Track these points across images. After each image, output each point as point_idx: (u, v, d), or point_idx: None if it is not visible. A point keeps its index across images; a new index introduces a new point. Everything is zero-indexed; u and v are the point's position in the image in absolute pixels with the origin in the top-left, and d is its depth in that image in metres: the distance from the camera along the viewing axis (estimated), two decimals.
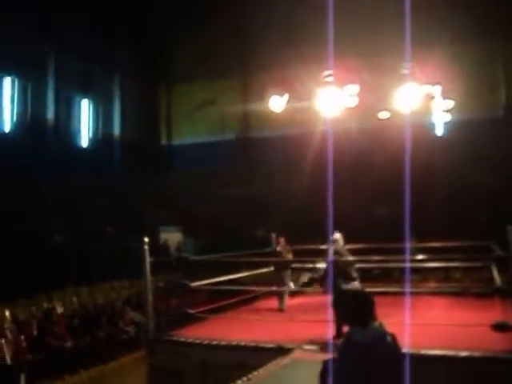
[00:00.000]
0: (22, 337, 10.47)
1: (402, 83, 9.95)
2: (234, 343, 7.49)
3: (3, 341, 9.92)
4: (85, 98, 22.23)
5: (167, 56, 24.80)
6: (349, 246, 8.38)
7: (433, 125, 18.31)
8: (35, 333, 10.97)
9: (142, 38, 23.07)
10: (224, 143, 22.97)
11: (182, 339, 8.05)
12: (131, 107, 23.96)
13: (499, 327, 6.65)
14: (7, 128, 18.62)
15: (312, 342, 7.09)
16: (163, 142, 25.78)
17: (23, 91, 19.21)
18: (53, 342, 10.64)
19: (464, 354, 6.39)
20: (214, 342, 7.64)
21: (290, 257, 11.03)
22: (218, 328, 8.60)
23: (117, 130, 23.48)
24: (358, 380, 3.77)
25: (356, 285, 7.81)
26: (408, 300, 7.41)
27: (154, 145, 25.21)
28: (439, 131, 18.66)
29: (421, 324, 6.95)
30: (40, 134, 19.22)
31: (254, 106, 16.86)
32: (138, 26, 22.40)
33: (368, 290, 6.82)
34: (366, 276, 9.98)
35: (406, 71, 9.80)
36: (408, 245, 7.26)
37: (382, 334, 3.94)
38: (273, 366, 6.27)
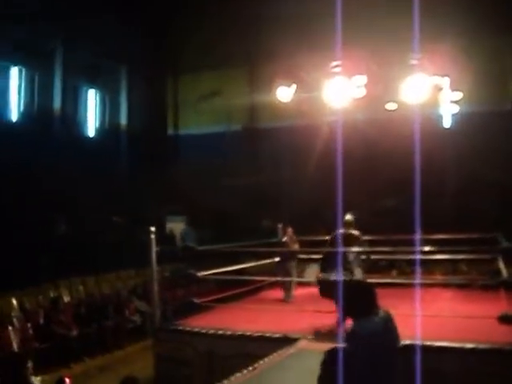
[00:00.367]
0: (29, 325, 10.55)
1: (410, 74, 9.88)
2: (240, 333, 7.52)
3: (10, 329, 10.00)
4: (91, 87, 22.19)
5: (174, 46, 24.70)
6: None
7: (440, 116, 18.27)
8: (42, 321, 11.05)
9: (149, 28, 22.99)
10: (230, 134, 22.91)
11: (188, 329, 8.09)
12: (138, 97, 23.90)
13: (505, 319, 6.65)
14: (14, 117, 18.66)
15: (317, 332, 7.11)
16: (170, 132, 25.72)
17: (30, 81, 19.21)
18: (59, 331, 10.70)
19: (470, 345, 6.40)
20: (220, 332, 7.67)
21: (296, 247, 11.01)
22: (224, 318, 8.65)
23: (123, 120, 23.43)
24: (361, 370, 3.78)
25: (358, 275, 7.79)
26: (414, 292, 7.40)
27: (161, 135, 25.15)
28: (447, 123, 18.62)
29: (427, 316, 6.94)
30: (47, 123, 19.21)
31: (261, 97, 16.75)
32: (145, 17, 22.32)
33: (374, 281, 6.83)
34: (373, 267, 9.99)
35: (414, 62, 9.72)
36: (417, 237, 7.22)
37: (384, 323, 3.94)
38: (278, 356, 6.29)
